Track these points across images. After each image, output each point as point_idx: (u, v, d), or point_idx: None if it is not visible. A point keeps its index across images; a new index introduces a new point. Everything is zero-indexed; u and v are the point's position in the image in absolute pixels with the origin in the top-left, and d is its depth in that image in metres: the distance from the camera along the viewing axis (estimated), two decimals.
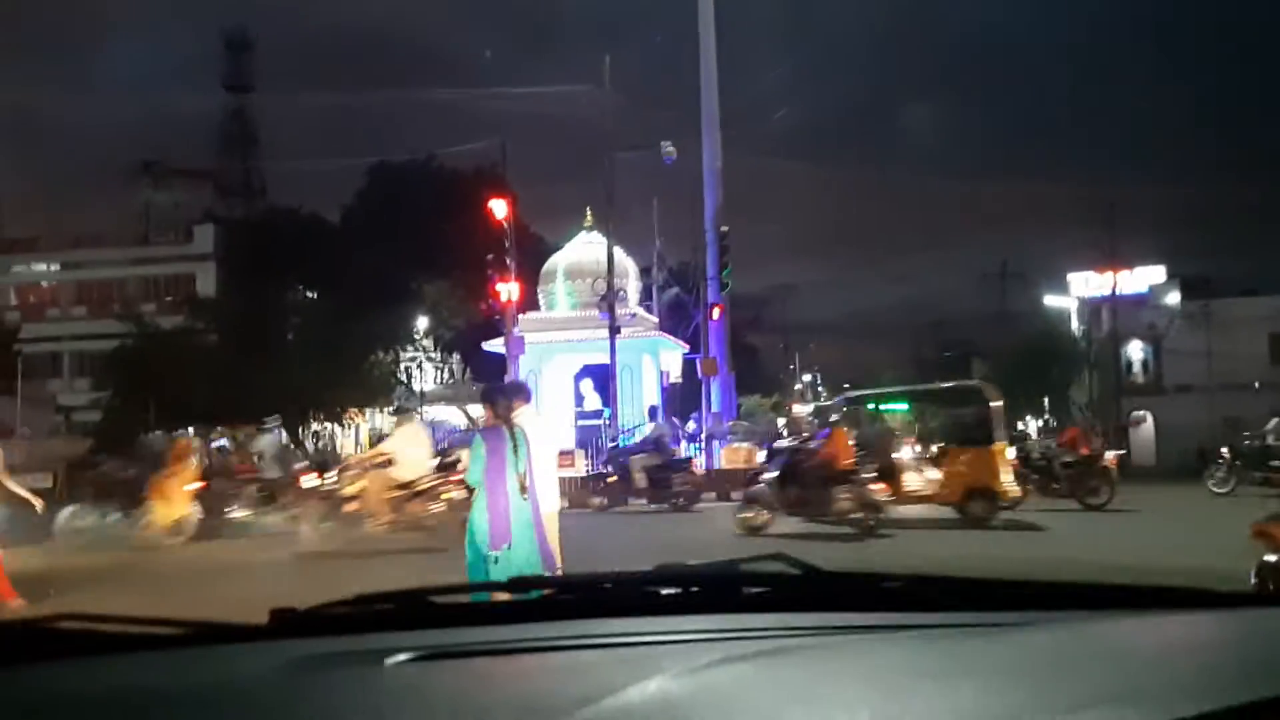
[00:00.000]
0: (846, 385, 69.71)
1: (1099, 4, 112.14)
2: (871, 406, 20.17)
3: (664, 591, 1.77)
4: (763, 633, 1.52)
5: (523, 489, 6.53)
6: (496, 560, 6.43)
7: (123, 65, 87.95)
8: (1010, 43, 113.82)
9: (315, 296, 41.90)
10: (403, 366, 39.69)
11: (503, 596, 1.80)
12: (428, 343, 42.60)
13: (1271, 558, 5.68)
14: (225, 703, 1.34)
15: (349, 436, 40.28)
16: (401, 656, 1.42)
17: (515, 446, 6.57)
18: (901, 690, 1.24)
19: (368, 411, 39.06)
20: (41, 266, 56.01)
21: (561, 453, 24.06)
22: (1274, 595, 1.59)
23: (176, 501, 14.70)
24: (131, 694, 1.37)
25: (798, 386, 58.86)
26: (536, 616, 1.65)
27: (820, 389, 69.25)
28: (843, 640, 1.53)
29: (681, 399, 32.58)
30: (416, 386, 40.00)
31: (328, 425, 38.55)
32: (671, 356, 32.72)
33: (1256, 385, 37.87)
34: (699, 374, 28.97)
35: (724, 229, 27.82)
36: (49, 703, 1.35)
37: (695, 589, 1.80)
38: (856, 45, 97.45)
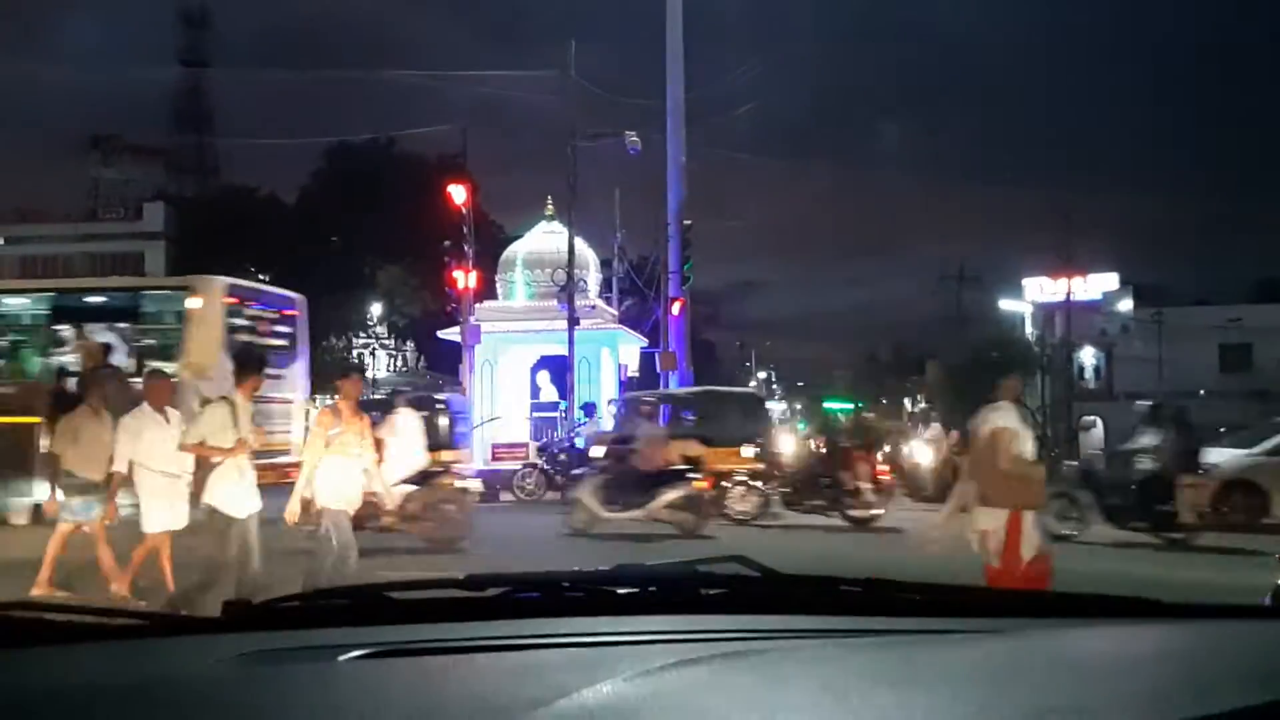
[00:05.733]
0: (801, 383, 70.28)
1: (1062, 14, 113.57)
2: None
3: (621, 591, 1.75)
4: (719, 635, 1.52)
5: None
6: None
7: (73, 35, 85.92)
8: (974, 48, 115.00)
9: (267, 279, 41.17)
10: (355, 353, 39.13)
11: (458, 593, 1.76)
12: (381, 330, 42.05)
13: None
14: (176, 696, 1.32)
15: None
16: (355, 653, 1.42)
17: None
18: (856, 697, 1.23)
19: (318, 399, 38.47)
20: None
21: (513, 445, 23.93)
22: (1227, 608, 1.63)
23: None
24: (81, 685, 1.35)
25: (753, 384, 58.94)
26: (492, 614, 1.64)
27: (775, 386, 69.46)
28: (798, 645, 1.52)
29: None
30: (369, 374, 39.45)
31: None
32: (630, 350, 32.50)
33: (1201, 393, 38.34)
34: (657, 369, 28.79)
35: (687, 223, 27.67)
36: None
37: (653, 589, 1.79)
38: (820, 49, 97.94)
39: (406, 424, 12.13)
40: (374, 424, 11.72)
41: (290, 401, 13.40)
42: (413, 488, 11.91)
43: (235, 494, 7.78)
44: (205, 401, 8.79)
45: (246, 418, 7.90)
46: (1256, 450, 16.70)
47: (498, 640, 1.52)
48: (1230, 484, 15.63)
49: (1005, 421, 6.43)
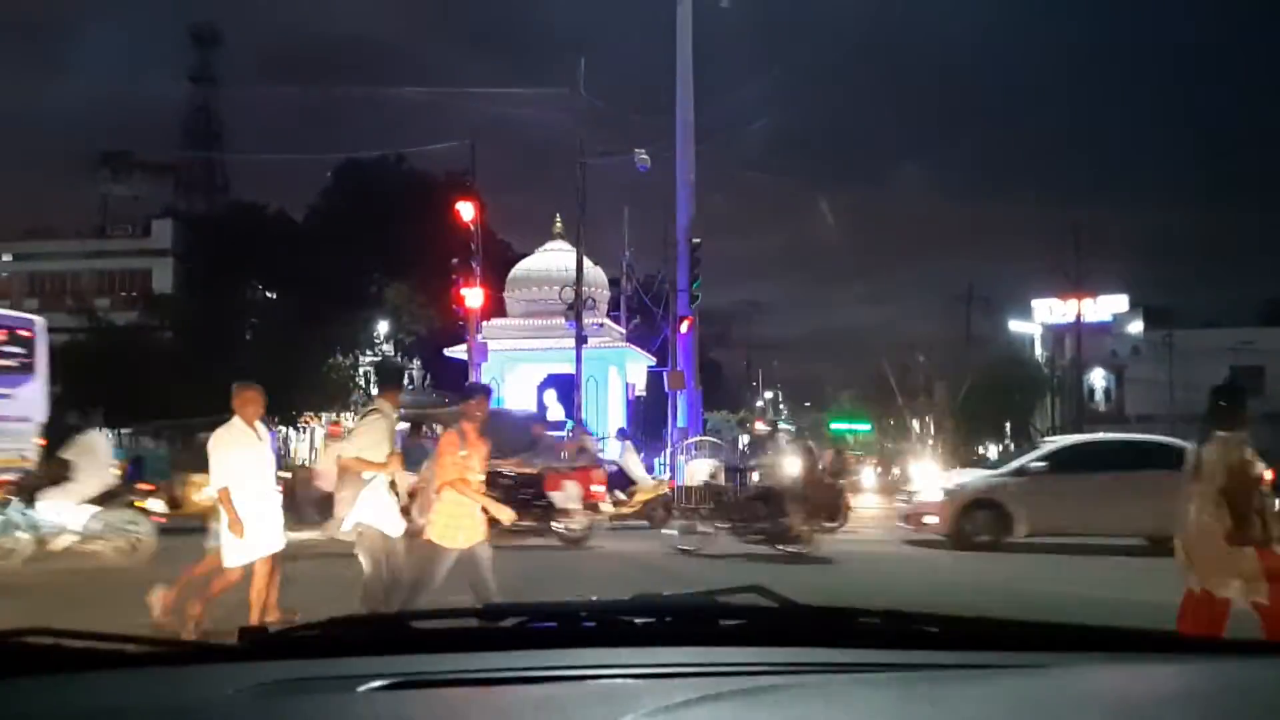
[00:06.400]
0: (808, 403, 70.05)
1: (1069, 34, 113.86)
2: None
3: (639, 622, 1.74)
4: (739, 668, 1.51)
5: None
6: None
7: (84, 54, 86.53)
8: (982, 70, 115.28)
9: (275, 296, 41.19)
10: (361, 370, 39.05)
11: (477, 623, 1.76)
12: (388, 347, 41.99)
13: None
14: None
15: (304, 440, 39.70)
16: (374, 684, 1.41)
17: None
18: None
19: (324, 415, 38.45)
20: None
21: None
22: (1256, 644, 1.59)
23: None
24: (97, 713, 1.35)
25: (759, 404, 58.75)
26: (511, 645, 1.64)
27: (782, 406, 69.28)
28: (819, 681, 1.51)
29: (646, 413, 32.20)
30: (375, 391, 39.28)
31: (282, 428, 37.83)
32: (637, 368, 32.35)
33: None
34: (665, 388, 28.63)
35: (695, 241, 27.54)
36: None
37: (670, 620, 1.78)
38: (830, 68, 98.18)
39: (95, 443, 12.61)
40: (63, 445, 12.15)
41: (26, 420, 13.50)
42: (97, 508, 12.22)
43: (388, 511, 7.35)
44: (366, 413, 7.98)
45: (394, 431, 7.51)
46: (1001, 471, 16.89)
47: (517, 672, 1.50)
48: (975, 503, 16.02)
49: (1249, 452, 6.03)
